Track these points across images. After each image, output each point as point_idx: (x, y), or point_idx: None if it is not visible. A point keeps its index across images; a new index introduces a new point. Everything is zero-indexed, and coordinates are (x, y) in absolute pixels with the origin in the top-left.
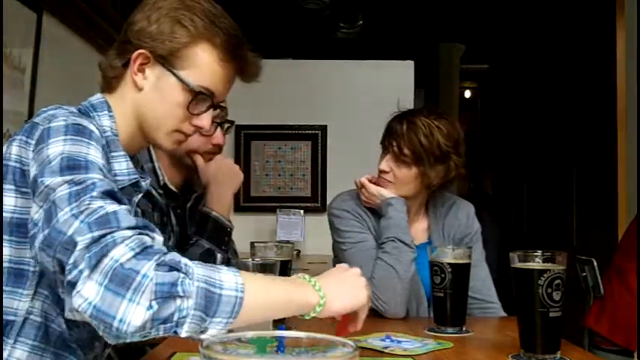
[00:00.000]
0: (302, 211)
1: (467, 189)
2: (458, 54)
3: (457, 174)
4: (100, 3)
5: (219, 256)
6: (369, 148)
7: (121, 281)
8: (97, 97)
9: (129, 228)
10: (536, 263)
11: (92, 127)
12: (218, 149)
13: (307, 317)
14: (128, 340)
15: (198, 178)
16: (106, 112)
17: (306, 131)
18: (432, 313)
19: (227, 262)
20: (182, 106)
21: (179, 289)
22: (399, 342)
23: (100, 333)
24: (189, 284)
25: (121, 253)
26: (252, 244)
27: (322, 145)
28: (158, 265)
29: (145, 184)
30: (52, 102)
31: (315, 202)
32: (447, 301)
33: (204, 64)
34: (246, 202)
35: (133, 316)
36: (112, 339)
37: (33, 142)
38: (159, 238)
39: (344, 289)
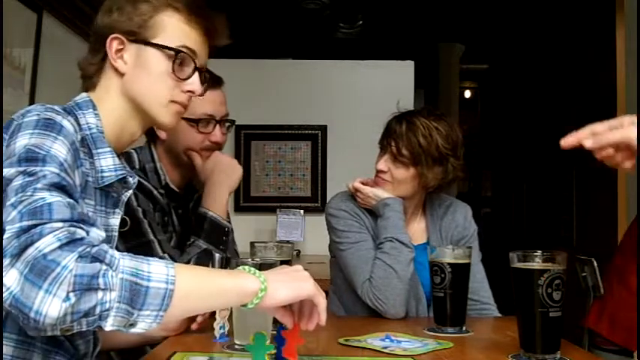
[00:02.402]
0: (302, 211)
1: (467, 189)
2: (458, 54)
3: (455, 176)
4: (100, 3)
5: (217, 256)
6: (369, 148)
7: (40, 271)
8: (81, 97)
9: (61, 220)
10: (536, 263)
11: (65, 123)
12: (217, 147)
13: (250, 305)
14: (49, 333)
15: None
16: (91, 110)
17: (306, 131)
18: (432, 313)
19: (226, 262)
20: (167, 72)
21: (100, 281)
22: (399, 342)
23: (21, 324)
24: (111, 276)
25: (46, 244)
26: (252, 244)
27: (322, 145)
28: (80, 256)
29: (133, 180)
30: (52, 102)
31: (315, 202)
32: (447, 301)
33: (172, 27)
34: (246, 202)
35: (49, 307)
36: (31, 330)
37: (7, 137)
38: (96, 232)
39: (286, 279)
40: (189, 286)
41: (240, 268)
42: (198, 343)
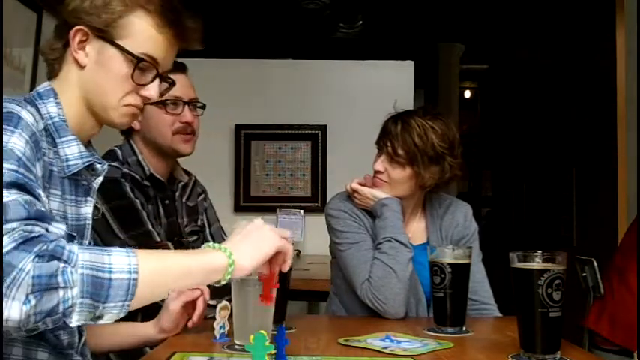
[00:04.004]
0: (302, 211)
1: (467, 189)
2: (458, 54)
3: (453, 175)
4: None
5: None
6: (369, 148)
7: None
8: (43, 86)
9: (16, 220)
10: (536, 263)
11: (24, 114)
12: (190, 129)
13: (224, 282)
14: (14, 335)
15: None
16: (52, 98)
17: (306, 131)
18: (432, 313)
19: None
20: (126, 76)
21: (59, 279)
22: (399, 342)
23: None
24: (71, 272)
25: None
26: None
27: (322, 145)
28: (38, 256)
29: (102, 167)
30: None
31: (315, 202)
32: (447, 301)
33: (141, 31)
34: (246, 202)
35: (9, 311)
36: None
37: None
38: (55, 227)
39: (249, 244)
40: (154, 272)
41: (205, 245)
42: (198, 343)
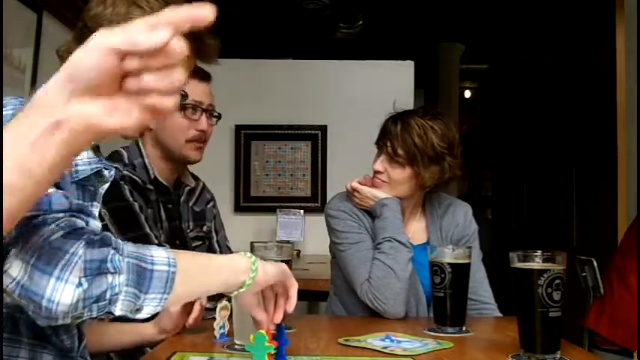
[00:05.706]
0: (302, 211)
1: (467, 189)
2: (458, 54)
3: (452, 175)
4: None
5: None
6: (369, 148)
7: (49, 259)
8: None
9: (61, 211)
10: (536, 263)
11: None
12: (203, 136)
13: (248, 281)
14: (60, 322)
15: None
16: None
17: (306, 131)
18: (432, 313)
19: None
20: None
21: (109, 265)
22: (399, 342)
23: (30, 314)
24: (119, 260)
25: (50, 232)
26: (252, 244)
27: (322, 145)
28: (87, 242)
29: (109, 173)
30: None
31: (315, 202)
32: (447, 300)
33: None
34: (246, 202)
35: (61, 294)
36: (42, 320)
37: None
38: (94, 223)
39: (270, 263)
40: (188, 267)
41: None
42: (198, 343)
